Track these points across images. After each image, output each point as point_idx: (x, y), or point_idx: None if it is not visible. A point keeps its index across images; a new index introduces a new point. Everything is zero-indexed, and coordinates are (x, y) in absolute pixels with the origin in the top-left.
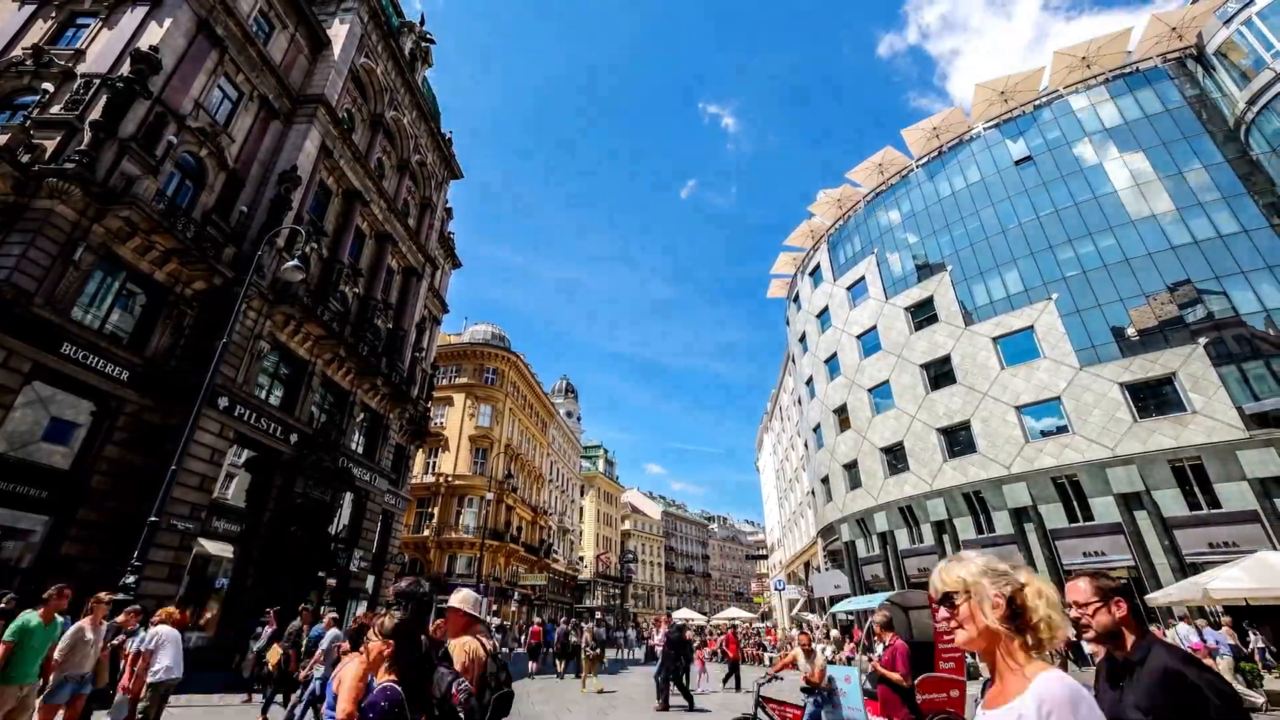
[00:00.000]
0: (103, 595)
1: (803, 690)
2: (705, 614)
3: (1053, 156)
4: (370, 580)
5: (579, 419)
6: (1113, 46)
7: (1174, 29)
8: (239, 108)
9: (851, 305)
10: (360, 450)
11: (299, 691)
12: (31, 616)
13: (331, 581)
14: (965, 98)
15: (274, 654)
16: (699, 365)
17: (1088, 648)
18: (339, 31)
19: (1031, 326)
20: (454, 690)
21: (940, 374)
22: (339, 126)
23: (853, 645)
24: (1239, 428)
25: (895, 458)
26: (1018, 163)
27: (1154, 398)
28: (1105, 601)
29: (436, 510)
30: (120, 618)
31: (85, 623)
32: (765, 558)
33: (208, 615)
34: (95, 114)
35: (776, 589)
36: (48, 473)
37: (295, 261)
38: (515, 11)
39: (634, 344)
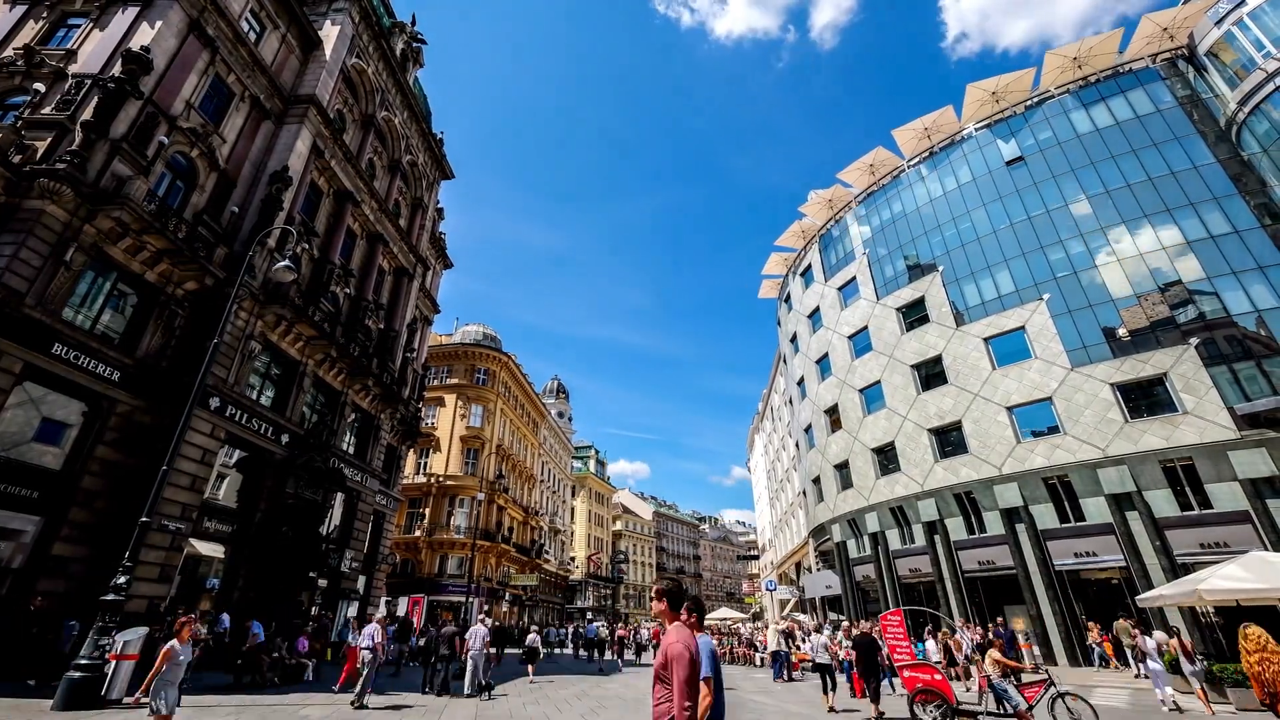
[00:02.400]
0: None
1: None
2: None
3: (1044, 157)
4: (361, 581)
5: (570, 419)
6: (1104, 47)
7: (1165, 29)
8: (230, 108)
9: (843, 306)
10: (351, 451)
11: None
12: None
13: (323, 582)
14: None
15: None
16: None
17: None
18: (330, 32)
19: (1023, 327)
20: None
21: (931, 374)
22: (330, 127)
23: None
24: (1230, 428)
25: (886, 458)
26: (1009, 163)
27: (1145, 398)
28: None
29: (428, 511)
30: None
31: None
32: (757, 558)
33: None
34: (86, 114)
35: (768, 589)
36: (39, 473)
37: (286, 262)
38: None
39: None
